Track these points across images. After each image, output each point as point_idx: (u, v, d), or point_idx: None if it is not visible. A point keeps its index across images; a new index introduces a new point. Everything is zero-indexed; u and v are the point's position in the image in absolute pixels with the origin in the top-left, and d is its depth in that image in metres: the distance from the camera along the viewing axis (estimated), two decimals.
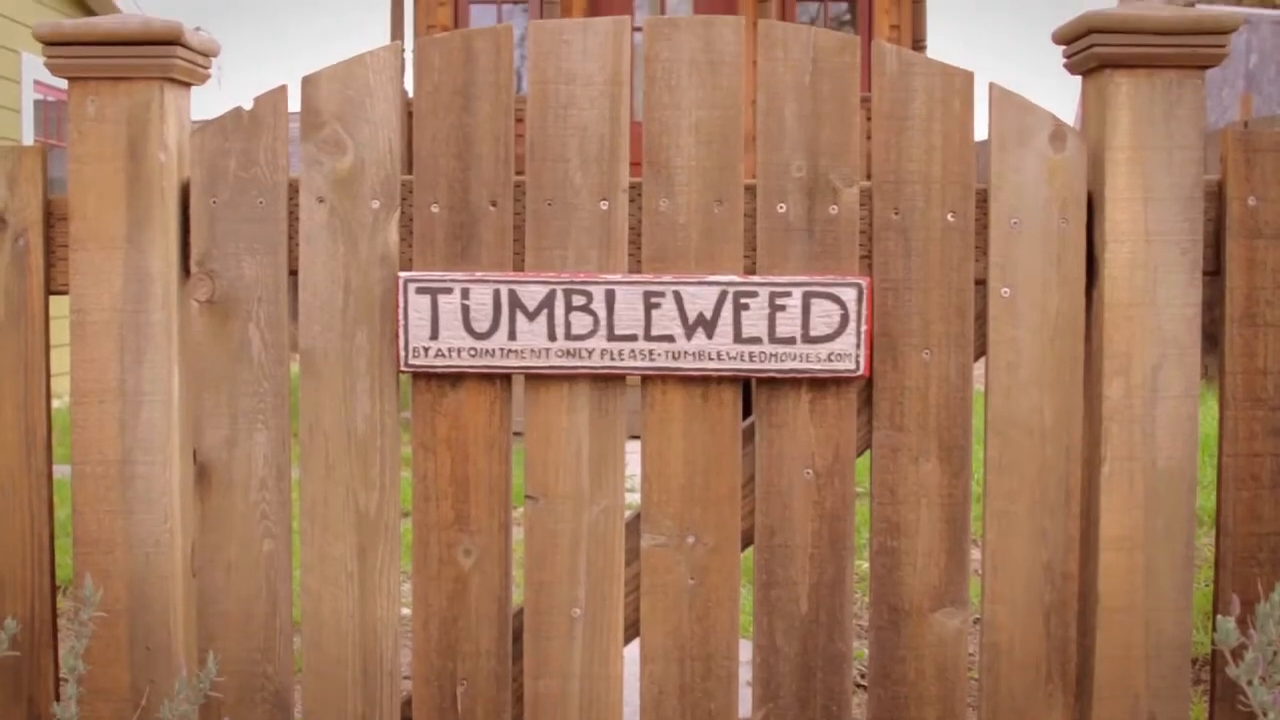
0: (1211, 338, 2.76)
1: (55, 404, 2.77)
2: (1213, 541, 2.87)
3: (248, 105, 2.57)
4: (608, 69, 2.52)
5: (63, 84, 2.55)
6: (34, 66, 12.29)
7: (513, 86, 2.56)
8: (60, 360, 2.51)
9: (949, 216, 2.52)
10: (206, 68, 2.63)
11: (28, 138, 12.42)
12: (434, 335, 2.52)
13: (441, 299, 2.51)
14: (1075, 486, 2.54)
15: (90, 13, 13.69)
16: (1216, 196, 2.56)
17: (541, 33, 2.53)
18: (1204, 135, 2.53)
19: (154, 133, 2.52)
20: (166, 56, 2.50)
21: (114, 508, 2.56)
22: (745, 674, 2.68)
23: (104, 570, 2.55)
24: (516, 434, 2.63)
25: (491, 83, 2.53)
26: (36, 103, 12.66)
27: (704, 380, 2.53)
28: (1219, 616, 2.12)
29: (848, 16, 13.94)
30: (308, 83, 2.56)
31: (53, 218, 2.60)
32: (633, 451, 2.63)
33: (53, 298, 2.63)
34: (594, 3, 13.67)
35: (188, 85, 2.62)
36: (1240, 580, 2.56)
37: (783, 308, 2.50)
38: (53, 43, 2.52)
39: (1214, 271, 2.56)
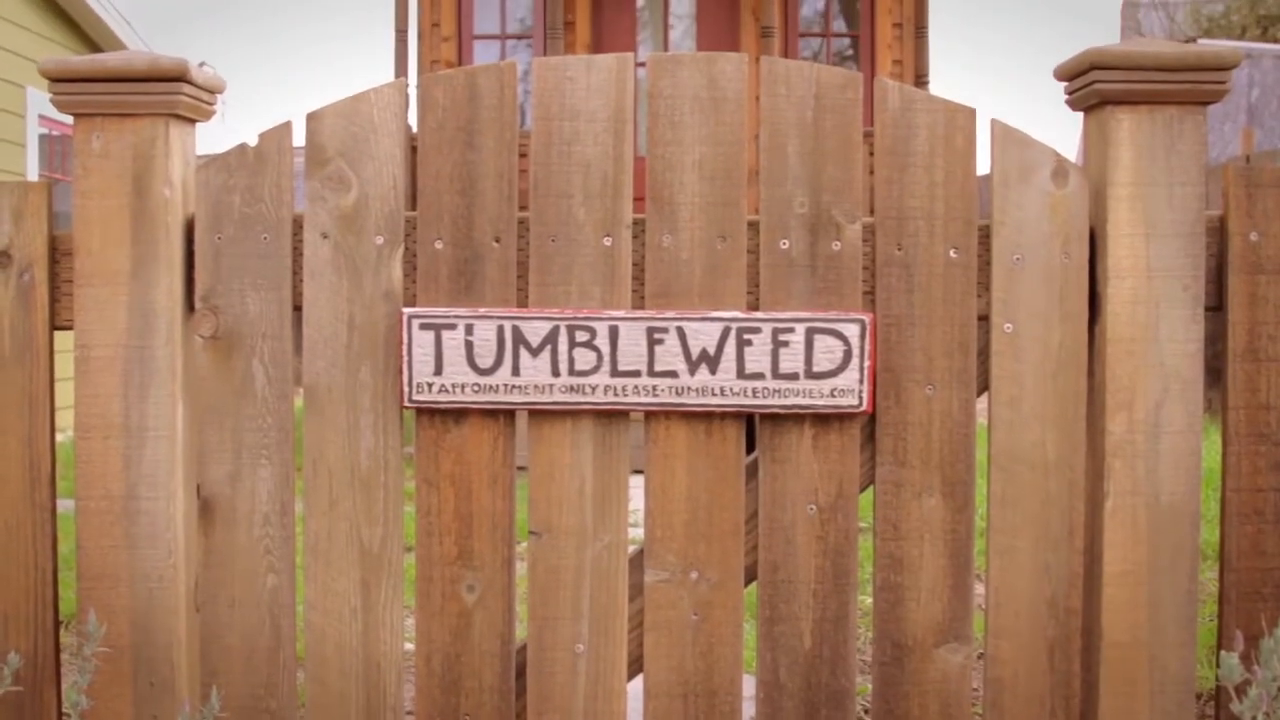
0: (1214, 371, 2.77)
1: (59, 437, 2.77)
2: (1216, 576, 2.87)
3: (252, 141, 2.58)
4: (611, 105, 2.53)
5: (67, 119, 2.56)
6: (39, 101, 12.36)
7: (516, 123, 2.56)
8: (64, 394, 2.51)
9: (951, 252, 2.52)
10: (212, 104, 2.64)
11: (32, 172, 12.47)
12: (438, 371, 2.52)
13: (445, 335, 2.52)
14: (1078, 521, 2.54)
15: (95, 47, 13.77)
16: (1218, 232, 2.57)
17: (546, 69, 2.54)
18: (1205, 170, 2.54)
19: (159, 169, 2.53)
20: (172, 93, 2.51)
21: (118, 543, 2.56)
22: (749, 709, 2.67)
23: (108, 605, 2.55)
24: (520, 468, 2.64)
25: (495, 120, 2.54)
26: (41, 137, 12.72)
27: (707, 416, 2.54)
28: (1223, 652, 2.12)
29: (850, 51, 13.95)
30: (312, 119, 2.57)
31: (58, 253, 2.61)
32: (636, 486, 2.63)
33: (57, 332, 2.63)
34: (597, 38, 13.69)
35: (193, 122, 2.63)
36: (1244, 615, 2.56)
37: (786, 343, 2.50)
38: (59, 79, 2.53)
39: (1216, 307, 2.57)
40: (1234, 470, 2.57)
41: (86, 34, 13.73)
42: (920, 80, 12.50)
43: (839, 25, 13.98)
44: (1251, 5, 22.59)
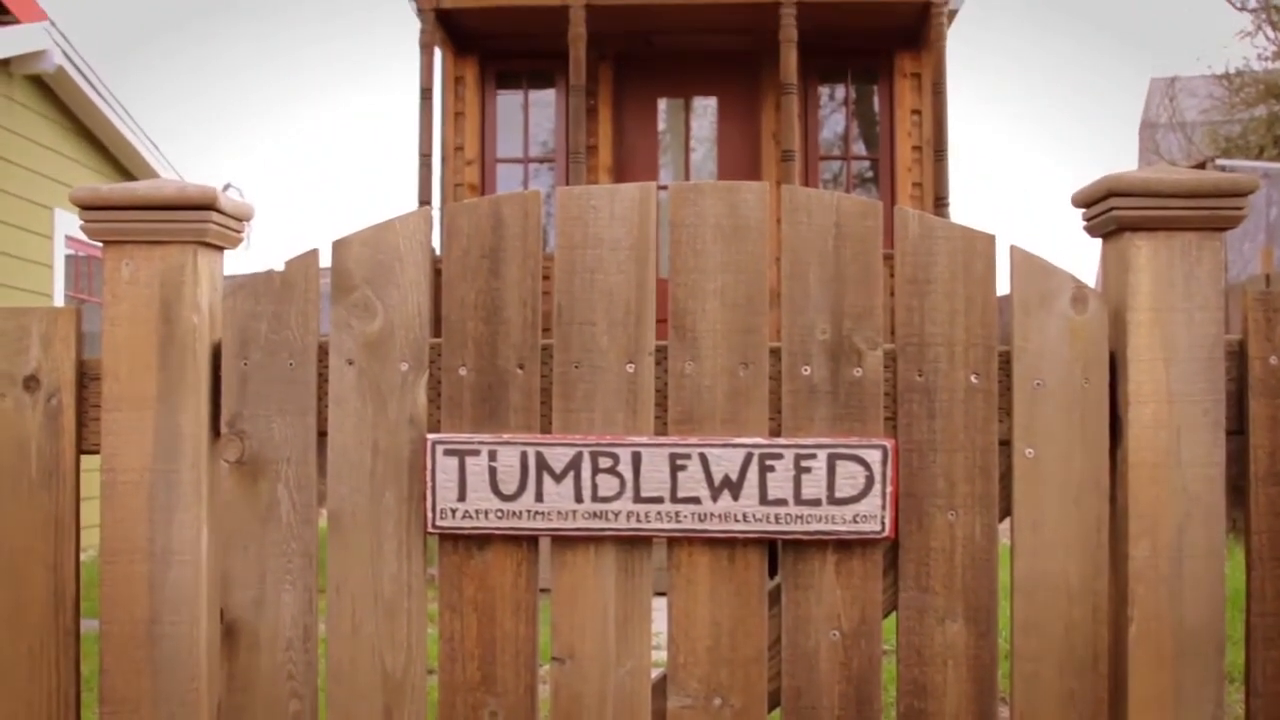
0: (1237, 490, 2.76)
1: (84, 555, 2.78)
2: (1242, 699, 2.85)
3: (279, 266, 2.61)
4: (634, 234, 2.55)
5: (94, 240, 2.59)
6: (66, 222, 12.53)
7: (540, 251, 2.59)
8: (90, 512, 2.53)
9: (973, 378, 2.54)
10: (239, 231, 2.67)
11: (59, 292, 12.62)
12: (461, 497, 2.53)
13: (469, 461, 2.53)
14: (1103, 647, 2.54)
15: (122, 170, 13.94)
16: (1238, 356, 2.58)
17: (569, 199, 2.57)
18: (1224, 293, 2.55)
19: (187, 296, 2.56)
20: (201, 221, 2.54)
21: (141, 667, 2.57)
22: None
23: None
24: (543, 589, 2.64)
25: (519, 248, 2.57)
26: (68, 258, 12.89)
27: (730, 542, 2.54)
28: None
29: (870, 173, 14.04)
30: (338, 246, 2.60)
31: (85, 377, 2.63)
32: (659, 608, 2.63)
33: (84, 456, 2.65)
34: (619, 161, 13.80)
35: (220, 249, 2.66)
36: None
37: (808, 469, 2.51)
38: (90, 207, 2.56)
39: (1237, 431, 2.58)
40: (1258, 594, 2.57)
41: (114, 157, 13.92)
42: (940, 202, 12.52)
43: (859, 148, 14.05)
44: (1269, 126, 22.74)
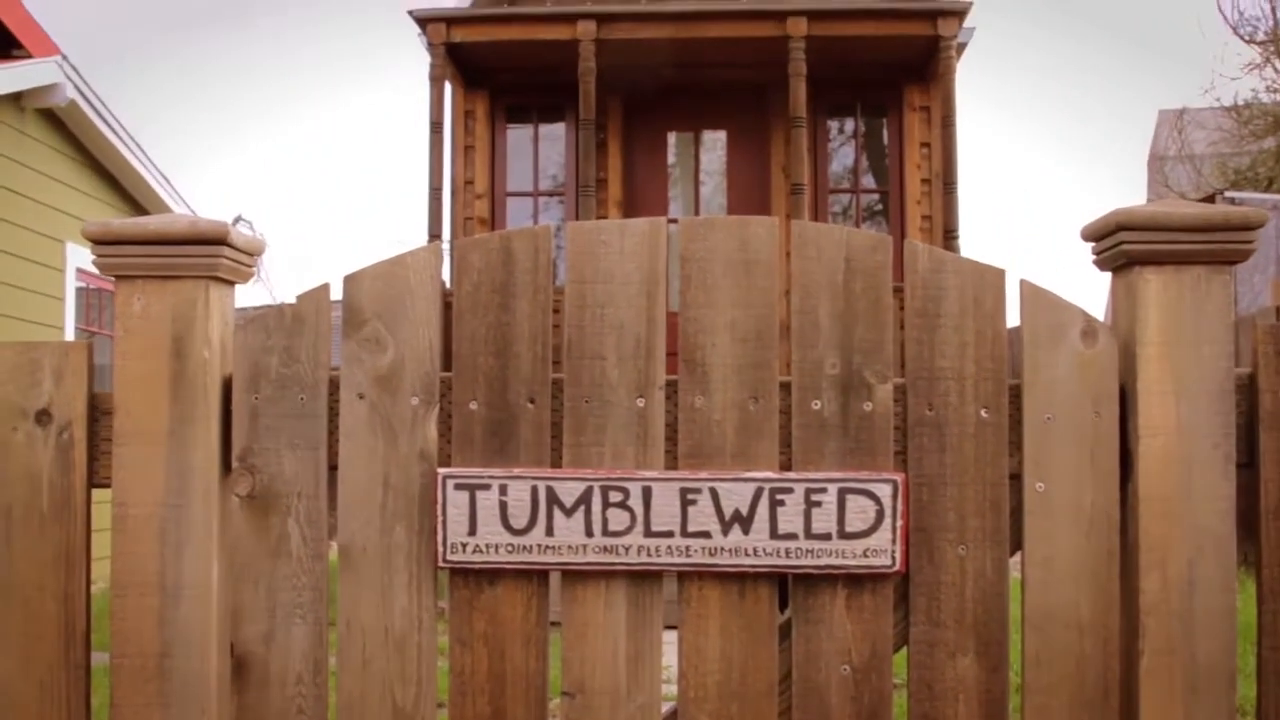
0: (1248, 522, 2.76)
1: (95, 587, 2.79)
2: None
3: (275, 275, 2.62)
4: (644, 269, 2.56)
5: (106, 275, 2.60)
6: (77, 255, 12.60)
7: (550, 286, 2.60)
8: (101, 544, 2.53)
9: (983, 412, 2.54)
10: (251, 266, 2.68)
11: (70, 325, 12.67)
12: (472, 531, 2.54)
13: (480, 495, 2.54)
14: (1114, 681, 2.53)
15: (133, 203, 14.01)
16: (1248, 389, 2.58)
17: (580, 233, 2.58)
18: (1234, 326, 2.55)
19: (199, 330, 2.57)
20: (212, 256, 2.55)
21: (151, 700, 2.56)
22: None
23: None
24: (554, 623, 2.64)
25: (530, 283, 2.58)
26: (79, 290, 12.95)
27: (740, 576, 2.54)
28: None
29: (879, 206, 14.06)
30: (350, 281, 2.61)
31: (97, 411, 2.64)
32: (669, 641, 2.63)
33: (94, 489, 2.65)
34: (629, 194, 13.85)
35: (232, 283, 2.67)
36: None
37: (818, 504, 2.51)
38: (102, 242, 2.57)
39: (1247, 464, 2.57)
40: (1270, 629, 2.56)
41: (125, 189, 13.99)
42: (949, 235, 12.52)
43: (868, 181, 14.08)
44: (1278, 158, 22.74)
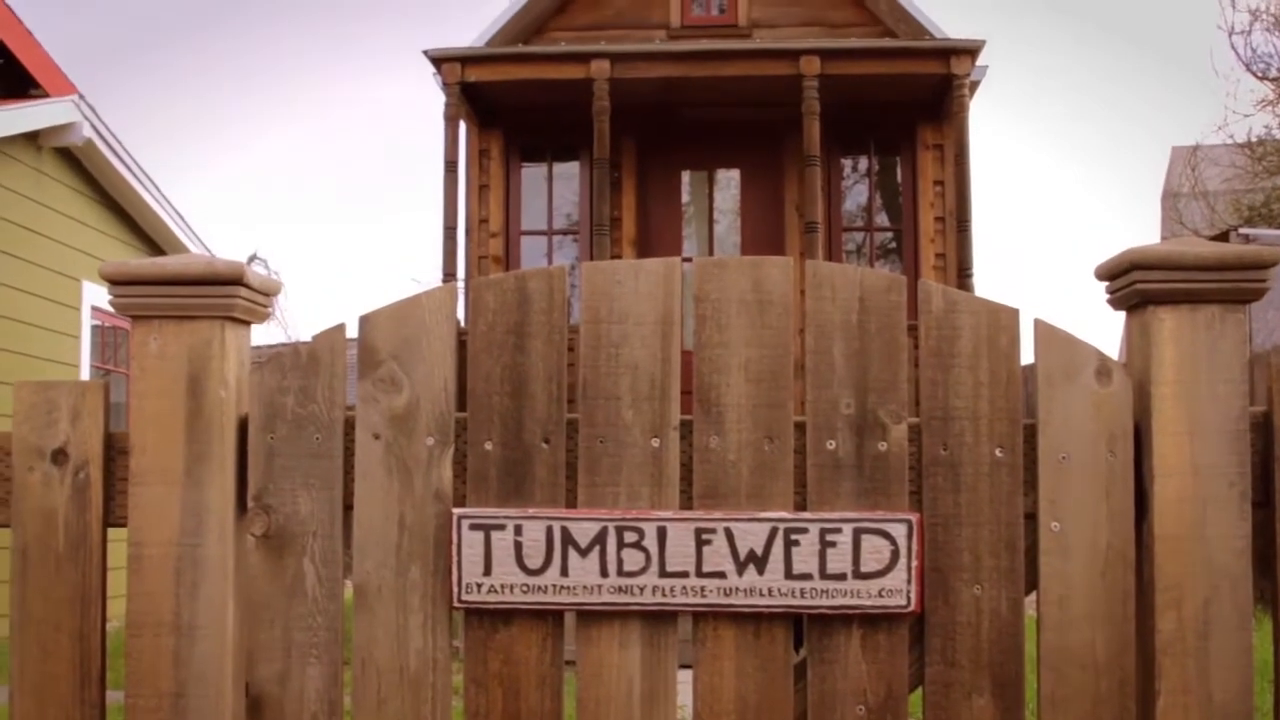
0: (1264, 561, 2.75)
1: (111, 625, 2.79)
2: None
3: (305, 340, 2.63)
4: (658, 309, 2.57)
5: (123, 315, 2.61)
6: (92, 293, 12.66)
7: (565, 325, 2.61)
8: (117, 582, 2.54)
9: (997, 452, 2.54)
10: (267, 306, 2.69)
11: (85, 363, 12.74)
12: (487, 571, 2.54)
13: (495, 535, 2.54)
14: None
15: (149, 241, 14.11)
16: (1263, 427, 2.57)
17: (595, 273, 2.59)
18: (1248, 364, 2.55)
19: (215, 370, 2.58)
20: (229, 296, 2.57)
21: None
22: None
23: None
24: (569, 662, 2.64)
25: (545, 323, 2.59)
26: (94, 328, 13.01)
27: (755, 617, 2.54)
28: None
29: (893, 244, 14.10)
30: (365, 321, 2.62)
31: (113, 451, 2.65)
32: (684, 680, 2.63)
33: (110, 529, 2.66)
34: (643, 233, 13.90)
35: (248, 323, 2.68)
36: None
37: (833, 544, 2.51)
38: (119, 282, 2.58)
39: (1263, 502, 2.57)
40: None
41: (141, 228, 14.09)
42: (963, 273, 12.54)
43: (882, 219, 14.13)
44: None
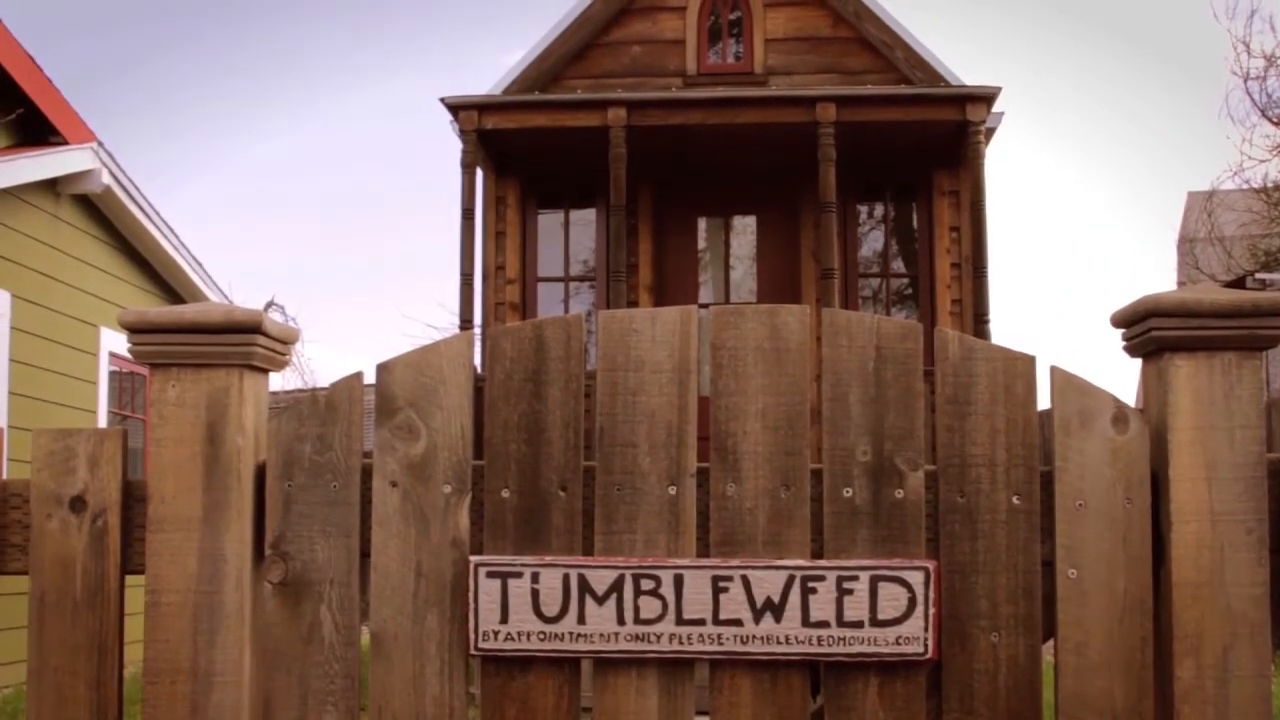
0: None
1: (128, 670, 2.80)
2: None
3: (323, 387, 2.64)
4: (675, 357, 2.58)
5: (141, 363, 2.62)
6: (110, 339, 12.72)
7: (582, 373, 2.62)
8: (134, 628, 2.54)
9: (1014, 499, 2.54)
10: (285, 354, 2.71)
11: (102, 409, 12.77)
12: (504, 619, 2.54)
13: (512, 583, 2.54)
14: None
15: (166, 287, 14.16)
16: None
17: (611, 321, 2.60)
18: (1265, 411, 2.55)
19: (233, 418, 2.59)
20: (247, 345, 2.58)
21: None
22: None
23: None
24: (584, 709, 2.63)
25: (562, 371, 2.59)
26: (111, 374, 13.06)
27: (772, 664, 2.53)
28: None
29: (909, 291, 14.10)
30: (383, 369, 2.63)
31: (131, 498, 2.66)
32: None
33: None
34: (660, 279, 13.92)
35: (266, 371, 2.69)
36: None
37: (850, 591, 2.51)
38: (137, 330, 2.59)
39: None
40: None
41: (159, 274, 14.14)
42: (980, 319, 12.52)
43: (898, 265, 14.13)
44: None
